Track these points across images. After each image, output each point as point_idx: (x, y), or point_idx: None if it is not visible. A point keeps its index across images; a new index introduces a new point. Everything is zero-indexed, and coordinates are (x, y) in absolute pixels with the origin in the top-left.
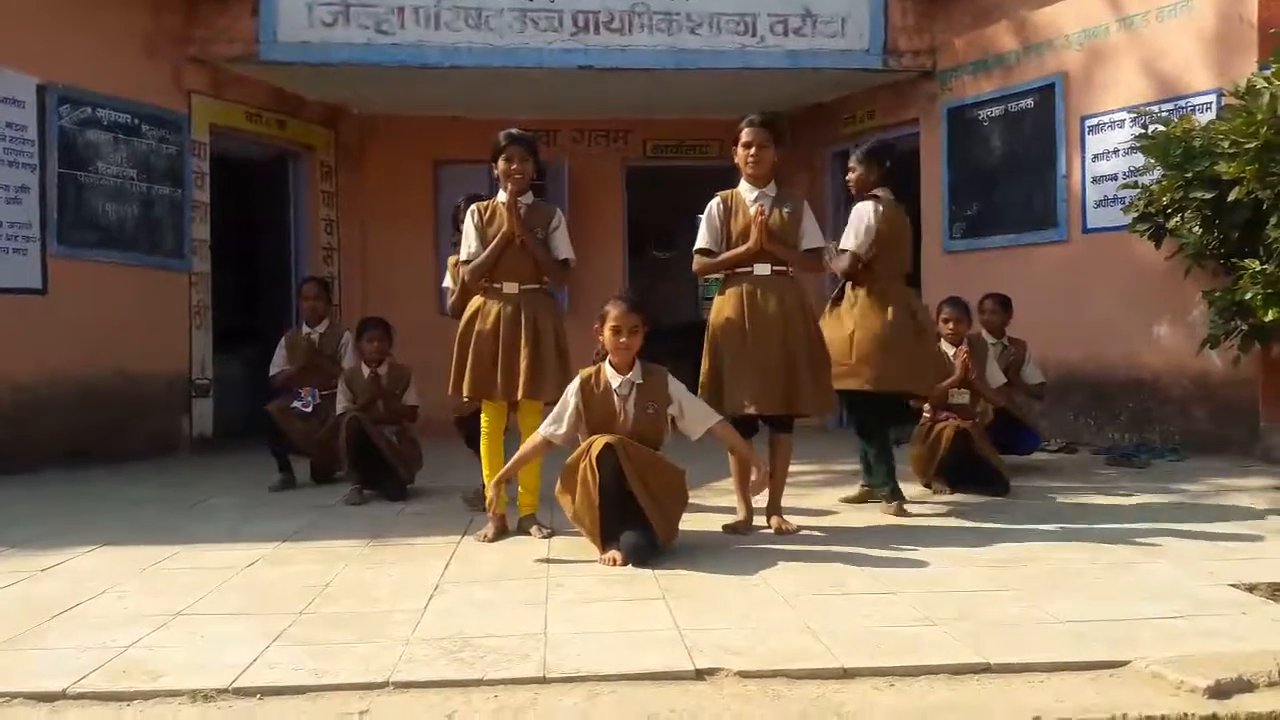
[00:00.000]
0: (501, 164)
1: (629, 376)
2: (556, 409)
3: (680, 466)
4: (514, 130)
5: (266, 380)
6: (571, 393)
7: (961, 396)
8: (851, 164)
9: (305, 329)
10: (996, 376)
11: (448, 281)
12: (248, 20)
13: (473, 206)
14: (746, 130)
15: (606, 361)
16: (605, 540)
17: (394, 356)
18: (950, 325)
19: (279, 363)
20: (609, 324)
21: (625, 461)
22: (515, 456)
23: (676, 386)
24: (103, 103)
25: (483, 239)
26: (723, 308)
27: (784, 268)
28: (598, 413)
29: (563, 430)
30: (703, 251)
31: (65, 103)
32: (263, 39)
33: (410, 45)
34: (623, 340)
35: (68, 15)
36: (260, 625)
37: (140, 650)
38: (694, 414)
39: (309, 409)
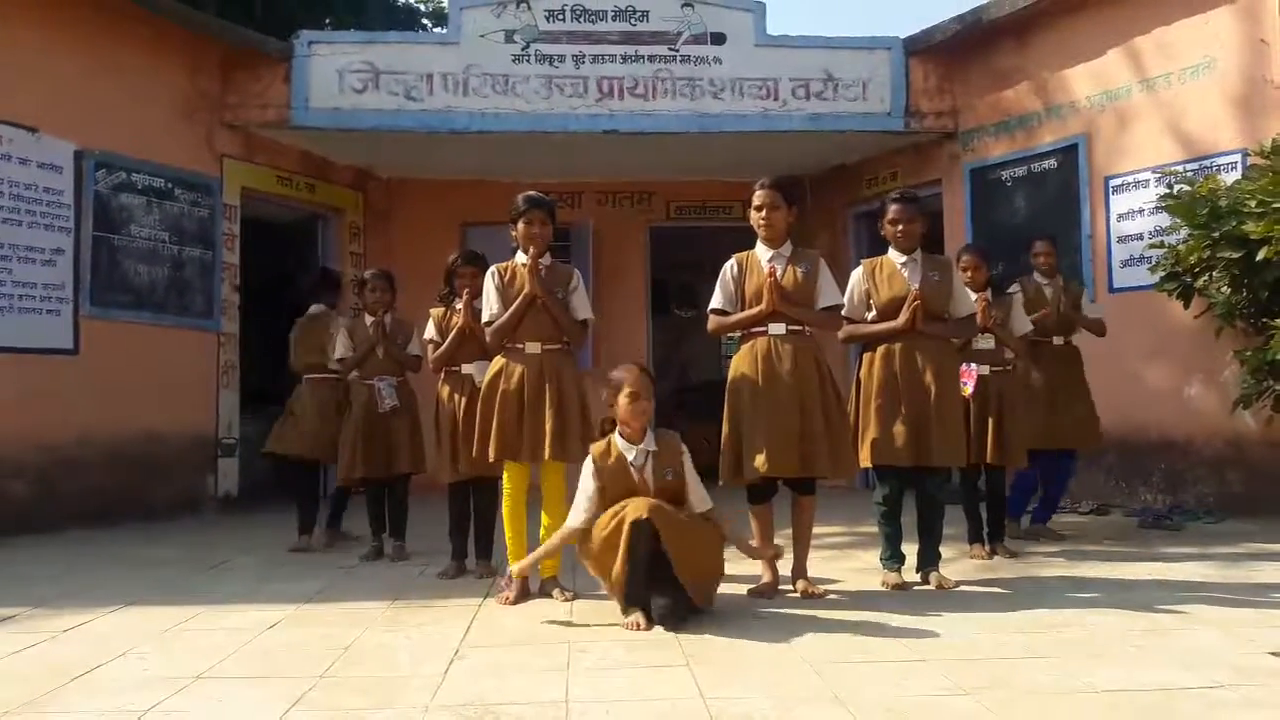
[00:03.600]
0: (522, 226)
1: (642, 445)
2: (577, 498)
3: (718, 527)
4: (533, 194)
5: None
6: (588, 474)
7: (986, 342)
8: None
9: (368, 319)
10: (1022, 325)
11: (430, 333)
12: (280, 87)
13: (493, 268)
14: (757, 193)
15: (615, 433)
16: (629, 603)
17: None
18: (969, 273)
19: (344, 348)
20: (625, 390)
21: (664, 529)
22: (543, 548)
23: (686, 455)
24: (137, 167)
25: (504, 300)
26: (739, 367)
27: (800, 327)
28: (616, 487)
29: (589, 516)
30: (717, 311)
31: (101, 167)
32: (295, 105)
33: (438, 111)
34: (642, 404)
35: (105, 83)
36: (280, 689)
37: (158, 715)
38: (696, 493)
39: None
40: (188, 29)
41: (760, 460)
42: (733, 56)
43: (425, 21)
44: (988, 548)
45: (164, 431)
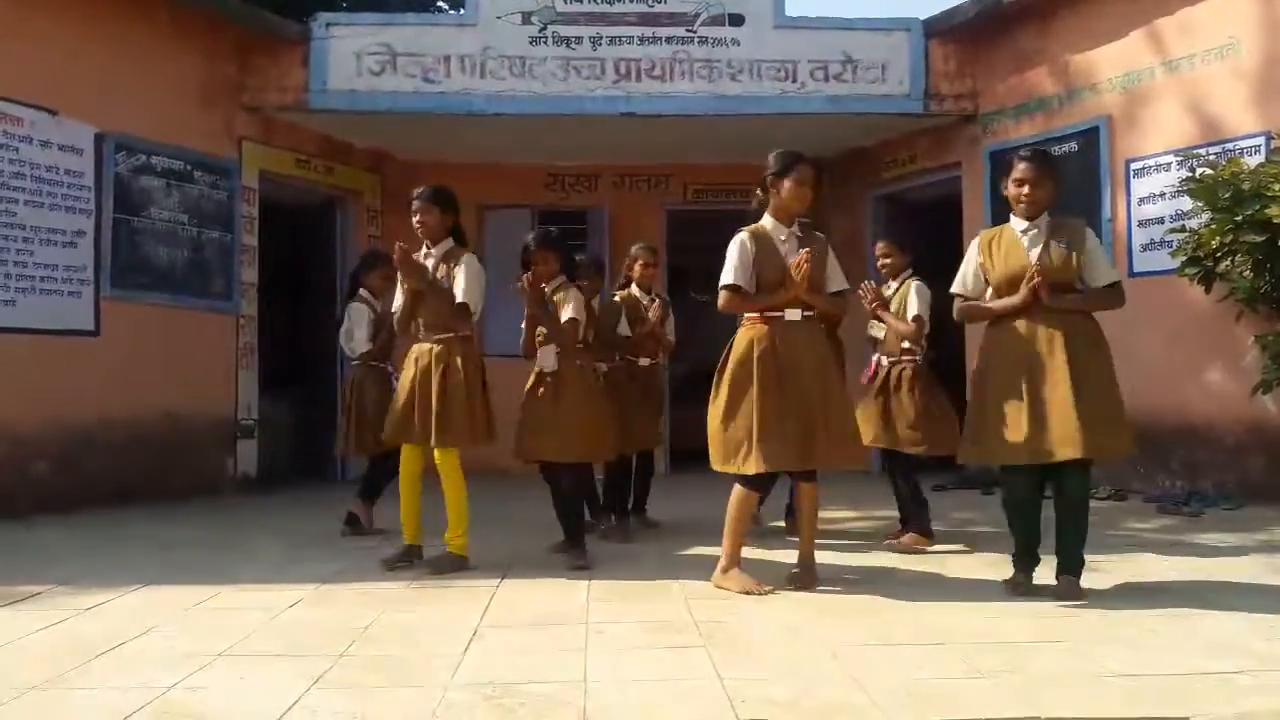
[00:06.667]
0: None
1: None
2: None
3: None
4: (421, 187)
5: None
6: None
7: (878, 330)
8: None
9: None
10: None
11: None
12: (298, 70)
13: None
14: (802, 169)
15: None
16: None
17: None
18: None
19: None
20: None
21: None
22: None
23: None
24: (157, 150)
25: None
26: (751, 348)
27: (812, 312)
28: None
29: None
30: (731, 288)
31: (121, 150)
32: (313, 88)
33: (456, 93)
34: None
35: (125, 66)
36: (301, 667)
37: (182, 692)
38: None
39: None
40: (205, 11)
41: (767, 456)
42: (751, 38)
43: (442, 4)
44: None
45: (184, 413)
